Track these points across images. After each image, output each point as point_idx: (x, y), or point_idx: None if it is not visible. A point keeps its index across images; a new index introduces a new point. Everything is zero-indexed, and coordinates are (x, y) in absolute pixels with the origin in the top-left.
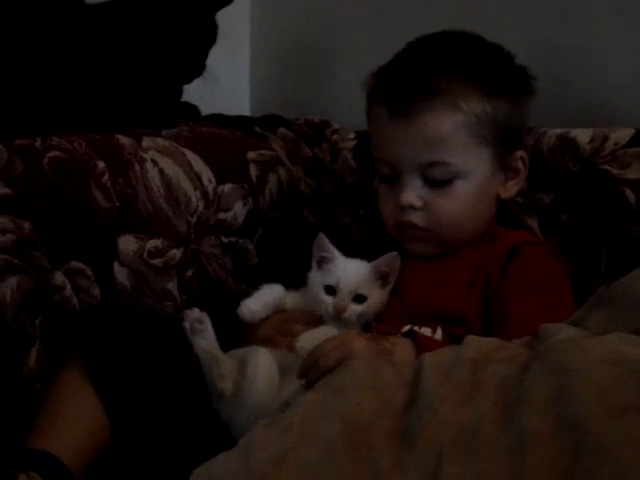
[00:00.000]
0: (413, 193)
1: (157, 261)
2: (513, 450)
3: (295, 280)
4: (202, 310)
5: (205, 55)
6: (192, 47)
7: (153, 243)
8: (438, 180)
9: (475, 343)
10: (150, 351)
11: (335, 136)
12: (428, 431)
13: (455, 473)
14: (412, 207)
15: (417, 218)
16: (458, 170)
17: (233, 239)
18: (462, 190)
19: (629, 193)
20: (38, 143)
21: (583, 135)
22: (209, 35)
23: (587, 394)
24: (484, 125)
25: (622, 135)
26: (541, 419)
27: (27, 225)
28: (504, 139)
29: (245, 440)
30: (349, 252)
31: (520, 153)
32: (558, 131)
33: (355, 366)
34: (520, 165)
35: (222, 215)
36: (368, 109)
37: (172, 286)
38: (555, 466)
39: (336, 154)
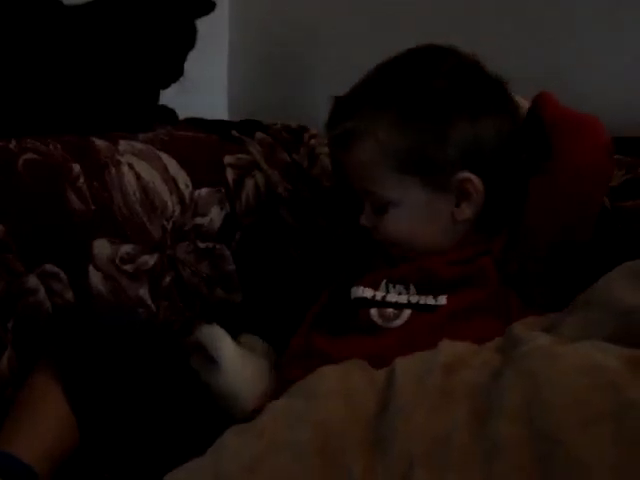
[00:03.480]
0: (364, 216)
1: (129, 267)
2: (484, 458)
3: (271, 286)
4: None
5: (183, 59)
6: (170, 51)
7: (125, 249)
8: (376, 207)
9: (449, 348)
10: (121, 356)
11: (313, 141)
12: (400, 439)
13: None
14: (366, 227)
15: (378, 235)
16: (387, 198)
17: (210, 244)
18: (398, 216)
19: (605, 199)
20: (13, 145)
21: None
22: (187, 39)
23: (559, 403)
24: (400, 155)
25: None
26: (513, 427)
27: (0, 228)
28: (430, 166)
29: (216, 446)
30: (326, 256)
31: (462, 176)
32: None
33: (327, 372)
34: (469, 187)
35: (199, 220)
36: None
37: (144, 292)
38: (525, 475)
39: (314, 159)
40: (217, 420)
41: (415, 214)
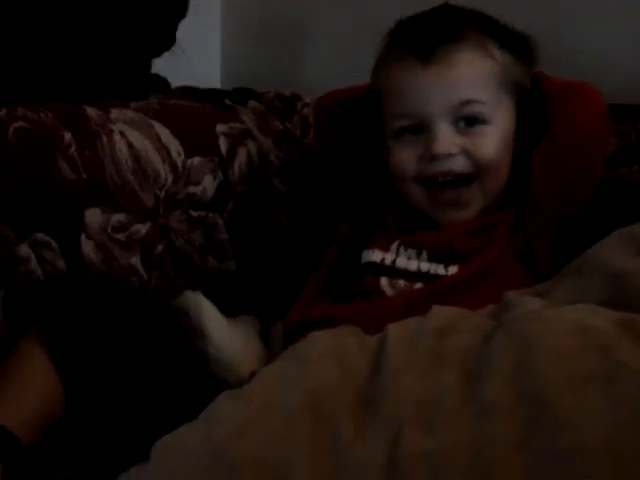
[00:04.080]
0: (448, 140)
1: (120, 235)
2: (475, 420)
3: (263, 254)
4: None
5: (175, 28)
6: (161, 19)
7: (117, 217)
8: (472, 118)
9: (440, 313)
10: (110, 322)
11: (306, 109)
12: (390, 401)
13: (416, 442)
14: (449, 155)
15: (457, 164)
16: (488, 113)
17: (203, 213)
18: (493, 133)
19: None
20: (3, 113)
21: None
22: (179, 8)
23: (548, 364)
24: (509, 76)
25: None
26: (503, 389)
27: None
28: (521, 98)
29: (207, 411)
30: (318, 223)
31: None
32: None
33: (319, 337)
34: None
35: (191, 189)
36: (384, 67)
37: (136, 261)
38: (515, 436)
39: (307, 127)
40: (210, 385)
41: (503, 137)
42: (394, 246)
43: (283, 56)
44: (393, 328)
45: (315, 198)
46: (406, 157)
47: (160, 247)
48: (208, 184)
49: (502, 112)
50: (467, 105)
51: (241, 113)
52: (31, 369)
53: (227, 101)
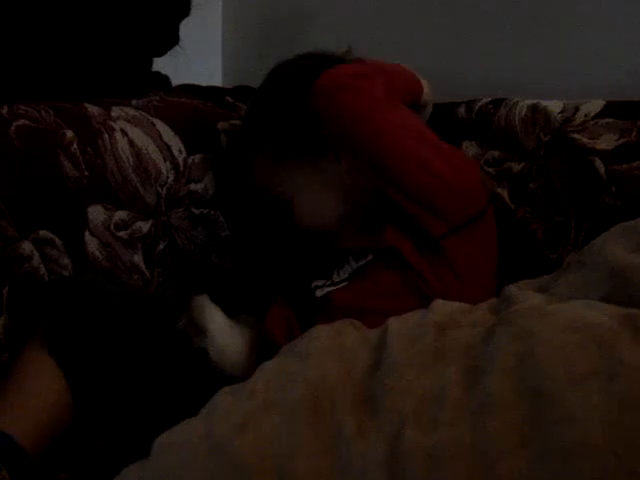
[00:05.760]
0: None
1: (123, 233)
2: (476, 415)
3: (265, 253)
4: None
5: (177, 27)
6: (164, 18)
7: (120, 215)
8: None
9: (441, 307)
10: (114, 327)
11: None
12: (392, 397)
13: (417, 438)
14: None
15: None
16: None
17: (204, 211)
18: (297, 207)
19: (599, 163)
20: (5, 111)
21: (554, 106)
22: (182, 7)
23: (550, 360)
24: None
25: (593, 106)
26: (504, 385)
27: None
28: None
29: (208, 407)
30: None
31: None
32: (529, 102)
33: (319, 331)
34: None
35: (193, 186)
36: None
37: (138, 259)
38: (516, 431)
39: None
40: (210, 382)
41: (306, 201)
42: (335, 274)
43: (283, 55)
44: (394, 322)
45: None
46: None
47: (162, 244)
48: (209, 181)
49: (295, 181)
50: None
51: (242, 111)
52: (40, 378)
53: (228, 99)
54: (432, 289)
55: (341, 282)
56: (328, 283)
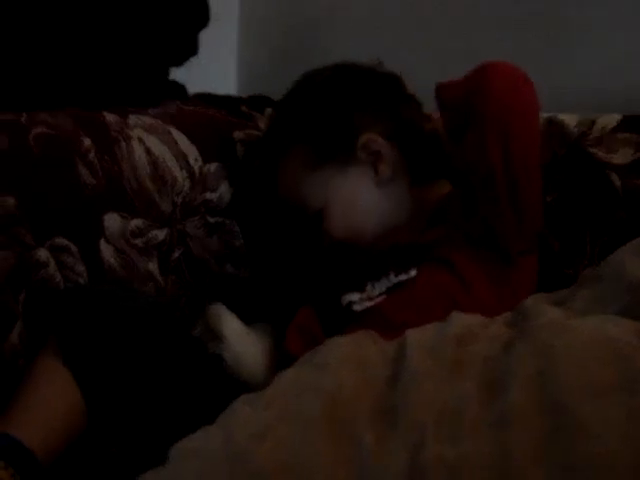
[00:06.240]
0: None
1: (138, 241)
2: (496, 428)
3: (279, 262)
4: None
5: (196, 37)
6: (183, 28)
7: (135, 222)
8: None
9: (460, 320)
10: (128, 334)
11: None
12: (412, 409)
13: (437, 451)
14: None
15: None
16: (313, 205)
17: (219, 219)
18: (330, 216)
19: (615, 177)
20: (24, 118)
21: (570, 119)
22: (200, 17)
23: (570, 374)
24: (320, 146)
25: (609, 120)
26: (524, 398)
27: (11, 201)
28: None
29: (225, 415)
30: None
31: (362, 140)
32: (545, 115)
33: (338, 342)
34: (373, 146)
35: (208, 195)
36: None
37: (153, 267)
38: (536, 445)
39: None
40: (227, 390)
41: (342, 208)
42: (368, 286)
43: (299, 64)
44: (412, 334)
45: None
46: None
47: (177, 253)
48: (225, 190)
49: (328, 189)
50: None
51: (258, 120)
52: (53, 385)
53: (244, 108)
54: (472, 302)
55: (379, 296)
56: (364, 297)
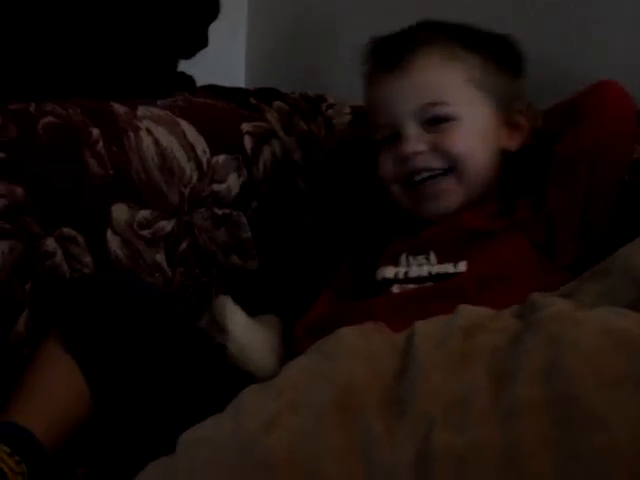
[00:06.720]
0: (415, 139)
1: (146, 232)
2: (504, 419)
3: (285, 254)
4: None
5: (206, 30)
6: (193, 21)
7: (143, 214)
8: (440, 118)
9: (467, 312)
10: (133, 322)
11: (330, 111)
12: (419, 399)
13: (445, 441)
14: (417, 153)
15: (428, 161)
16: (455, 112)
17: (227, 211)
18: (462, 128)
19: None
20: (32, 108)
21: None
22: (210, 10)
23: (579, 365)
24: (481, 75)
25: None
26: (533, 389)
27: (20, 190)
28: (498, 93)
29: (234, 404)
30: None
31: (518, 105)
32: None
33: (347, 333)
34: (521, 119)
35: (216, 187)
36: (365, 79)
37: (160, 258)
38: (544, 436)
39: (331, 128)
40: (232, 380)
41: (474, 129)
42: (402, 258)
43: (308, 56)
44: (421, 326)
45: (335, 199)
46: (385, 162)
47: (184, 244)
48: (232, 182)
49: (473, 109)
50: (432, 107)
51: (266, 113)
52: (56, 373)
53: (252, 100)
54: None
55: (417, 280)
56: (401, 275)
